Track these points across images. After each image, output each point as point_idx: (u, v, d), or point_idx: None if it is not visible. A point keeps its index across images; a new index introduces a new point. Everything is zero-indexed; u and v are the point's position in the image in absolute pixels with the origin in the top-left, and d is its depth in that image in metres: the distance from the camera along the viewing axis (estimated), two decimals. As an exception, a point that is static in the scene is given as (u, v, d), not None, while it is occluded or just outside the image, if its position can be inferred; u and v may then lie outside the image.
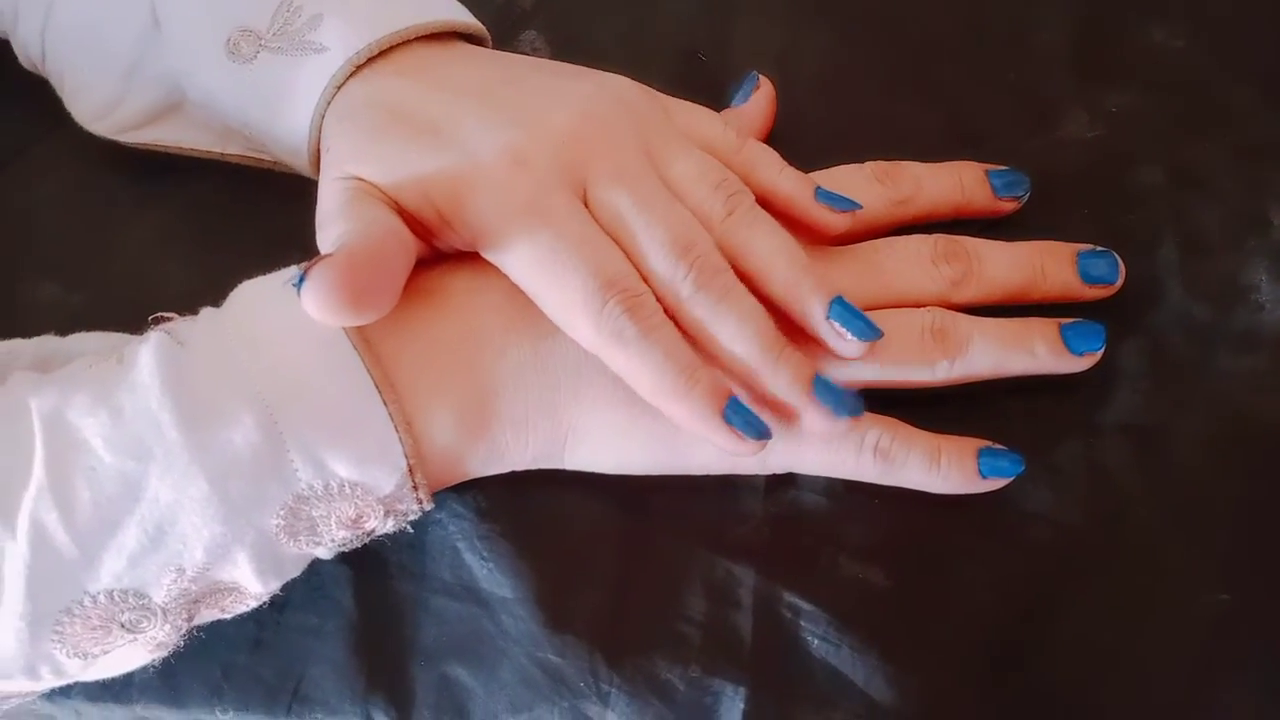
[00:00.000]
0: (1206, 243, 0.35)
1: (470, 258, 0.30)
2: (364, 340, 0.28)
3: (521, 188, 0.28)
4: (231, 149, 0.35)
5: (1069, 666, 0.30)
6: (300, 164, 0.33)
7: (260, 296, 0.29)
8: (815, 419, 0.29)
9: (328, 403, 0.27)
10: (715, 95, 0.36)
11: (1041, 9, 0.39)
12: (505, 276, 0.29)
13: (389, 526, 0.29)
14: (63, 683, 0.29)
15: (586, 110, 0.30)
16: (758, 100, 0.36)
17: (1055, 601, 0.31)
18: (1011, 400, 0.33)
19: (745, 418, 0.28)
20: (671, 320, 0.29)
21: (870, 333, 0.29)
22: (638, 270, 0.29)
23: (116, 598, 0.27)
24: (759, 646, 0.30)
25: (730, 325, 0.29)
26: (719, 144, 0.32)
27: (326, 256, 0.26)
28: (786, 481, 0.32)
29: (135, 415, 0.26)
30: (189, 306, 0.30)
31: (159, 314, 0.30)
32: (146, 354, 0.27)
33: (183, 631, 0.29)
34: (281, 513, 0.27)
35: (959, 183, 0.34)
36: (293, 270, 0.29)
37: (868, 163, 0.34)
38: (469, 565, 0.32)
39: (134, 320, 0.31)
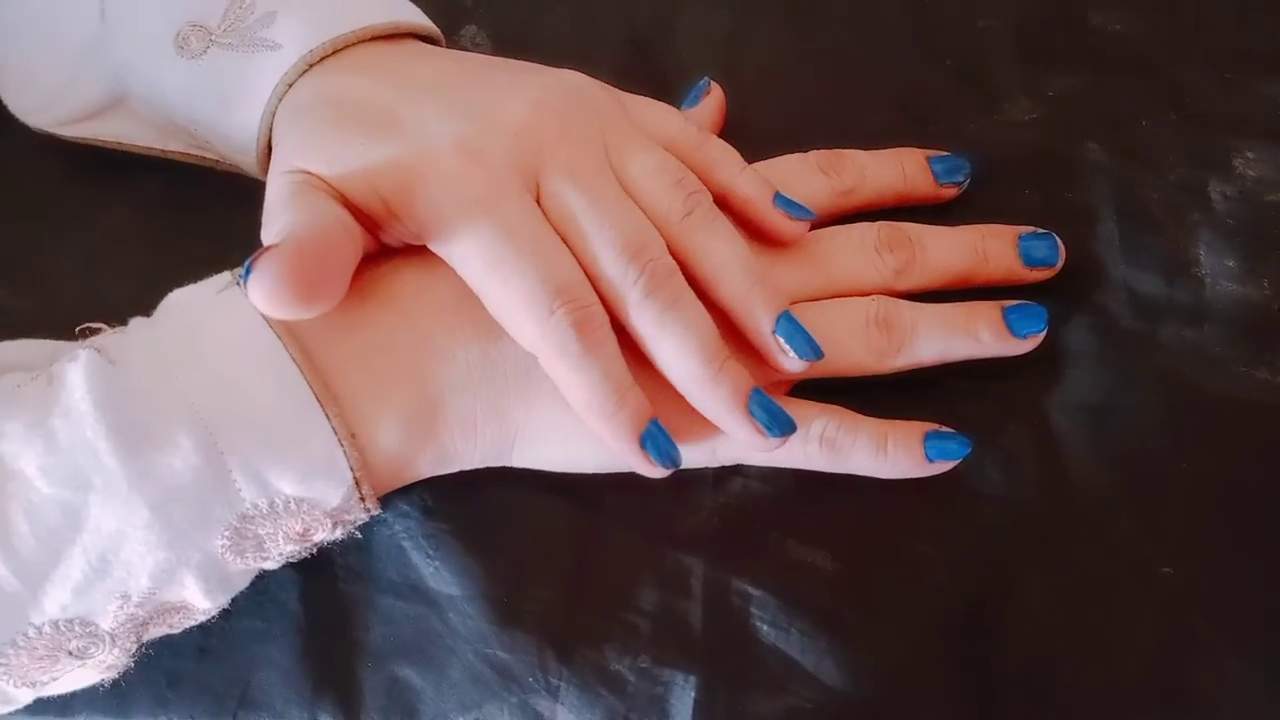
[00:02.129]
0: (1148, 218, 0.35)
1: (416, 255, 0.30)
2: (303, 351, 0.28)
3: (473, 181, 0.28)
4: (173, 146, 0.35)
5: (1024, 645, 0.30)
6: (247, 162, 0.32)
7: (193, 308, 0.28)
8: (748, 435, 0.29)
9: (268, 419, 0.27)
10: (661, 86, 0.36)
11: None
12: (451, 276, 0.29)
13: (337, 535, 0.29)
14: (11, 709, 0.28)
15: (541, 103, 0.30)
16: (708, 105, 0.35)
17: (1009, 580, 0.31)
18: (960, 381, 0.33)
19: (659, 445, 0.29)
20: (614, 322, 0.29)
21: (812, 353, 0.29)
22: (586, 271, 0.29)
23: (63, 627, 0.26)
24: (709, 635, 0.30)
25: (675, 335, 0.28)
26: (679, 140, 0.32)
27: (272, 247, 0.26)
28: (735, 471, 0.32)
29: (71, 443, 0.26)
30: (137, 309, 0.30)
31: (86, 325, 0.29)
32: (77, 375, 0.26)
33: (132, 653, 0.28)
34: (227, 534, 0.27)
35: (901, 171, 0.34)
36: (224, 277, 0.29)
37: (812, 152, 0.34)
38: (415, 564, 0.31)
39: (73, 322, 0.30)
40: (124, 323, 0.30)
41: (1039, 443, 0.32)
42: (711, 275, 0.30)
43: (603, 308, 0.28)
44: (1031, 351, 0.32)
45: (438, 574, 0.31)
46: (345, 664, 0.31)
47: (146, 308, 0.30)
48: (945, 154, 0.35)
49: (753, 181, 0.31)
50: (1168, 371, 0.33)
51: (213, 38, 0.31)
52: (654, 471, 0.29)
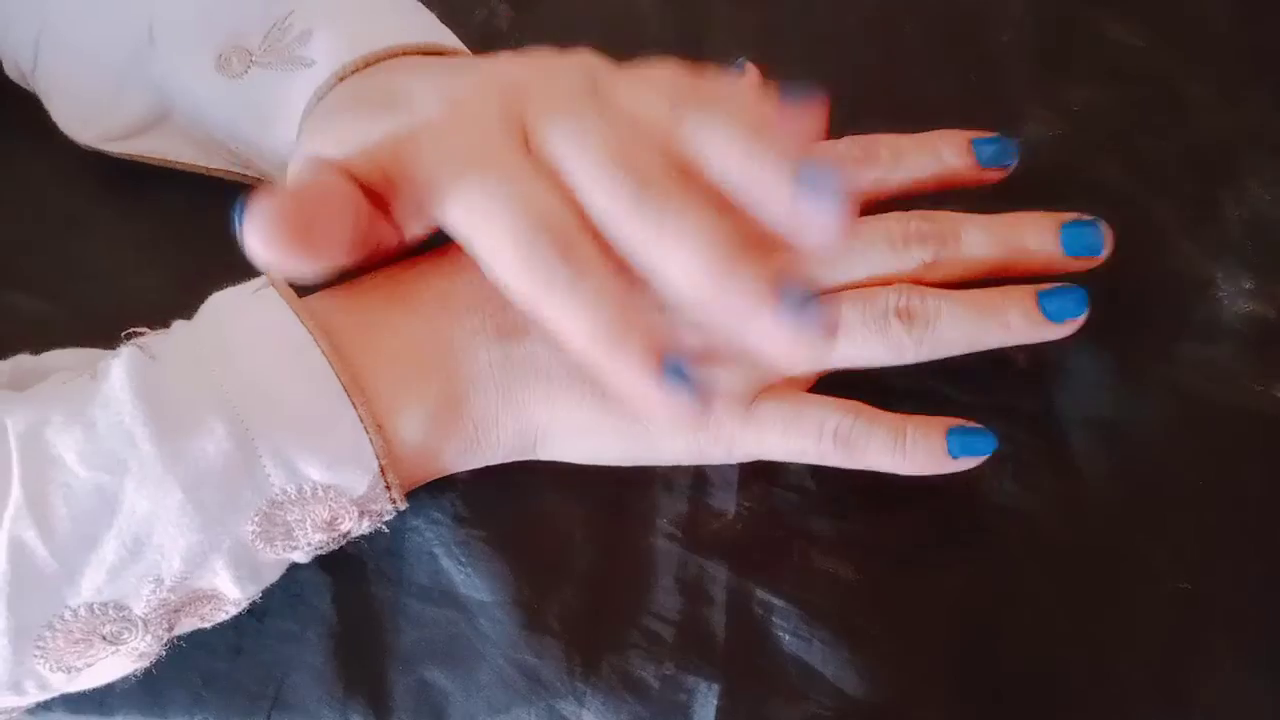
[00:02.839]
0: (1165, 236, 0.35)
1: (442, 263, 0.31)
2: (333, 345, 0.29)
3: (458, 132, 0.27)
4: (216, 163, 0.36)
5: (1036, 656, 0.31)
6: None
7: (230, 306, 0.30)
8: (777, 331, 0.24)
9: (298, 408, 0.28)
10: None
11: (1000, 9, 0.40)
12: (475, 278, 0.29)
13: (364, 527, 0.30)
14: (47, 696, 0.29)
15: (533, 63, 0.29)
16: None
17: (1022, 592, 0.31)
18: (976, 396, 0.33)
19: (681, 371, 0.24)
20: (614, 264, 0.26)
21: (835, 204, 0.24)
22: (581, 203, 0.26)
23: (97, 610, 0.27)
24: (732, 642, 0.31)
25: (678, 233, 0.24)
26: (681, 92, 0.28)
27: (269, 194, 0.25)
28: (759, 477, 0.33)
29: (109, 429, 0.27)
30: (163, 318, 0.31)
31: (132, 329, 0.30)
32: (118, 368, 0.28)
33: (164, 641, 0.29)
34: (256, 518, 0.28)
35: (939, 156, 0.33)
36: (261, 279, 0.30)
37: (844, 139, 0.33)
38: (446, 570, 0.32)
39: (110, 332, 0.31)
40: (156, 326, 0.31)
41: (1054, 456, 0.33)
42: (716, 159, 0.25)
43: (591, 236, 0.26)
44: (1046, 364, 0.33)
45: (468, 580, 0.32)
46: (376, 666, 0.32)
47: (176, 313, 0.31)
48: (991, 135, 0.33)
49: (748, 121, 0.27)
50: (1182, 387, 0.33)
51: (253, 58, 0.32)
52: (682, 409, 0.25)
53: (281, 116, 0.32)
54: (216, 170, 0.36)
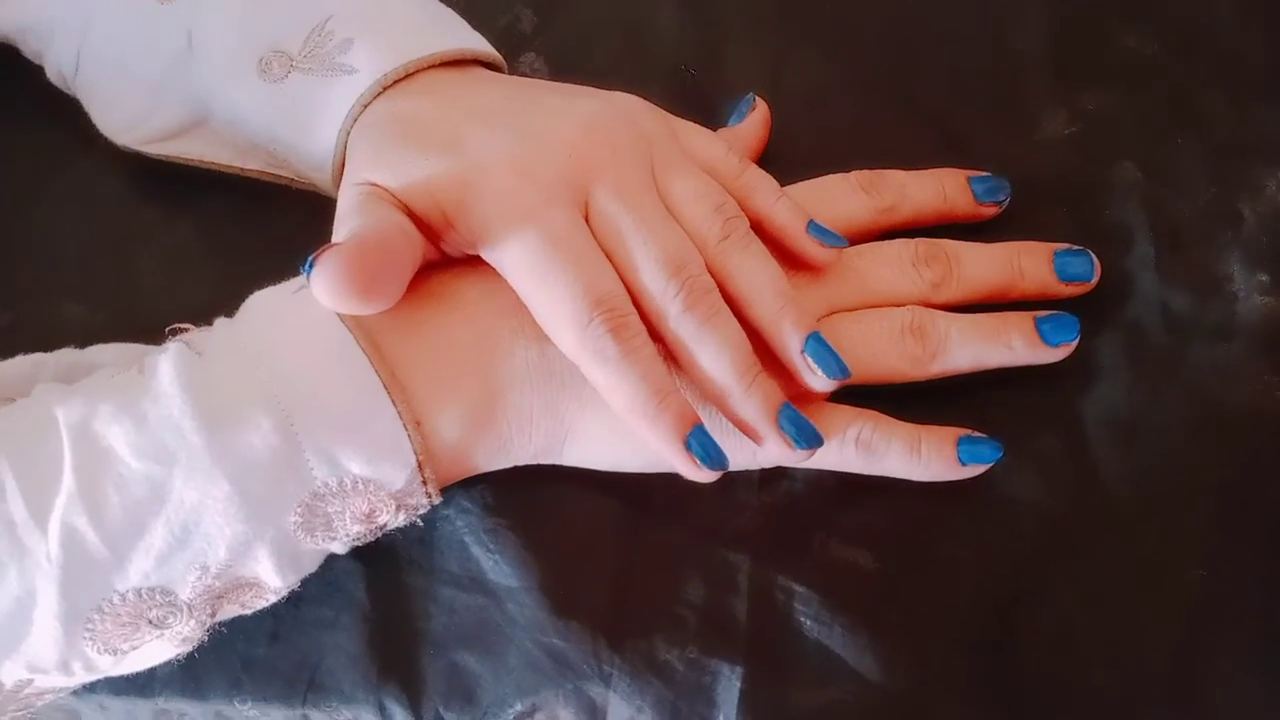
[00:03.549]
0: (1181, 238, 0.36)
1: (481, 264, 0.32)
2: (373, 344, 0.30)
3: (523, 195, 0.30)
4: (252, 164, 0.37)
5: (1051, 647, 0.31)
6: (323, 180, 0.35)
7: (272, 305, 0.31)
8: (777, 447, 0.31)
9: (340, 404, 0.29)
10: (707, 111, 0.38)
11: (1017, 15, 0.41)
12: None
13: (400, 520, 0.31)
14: (93, 678, 0.30)
15: (592, 125, 0.32)
16: (753, 121, 0.37)
17: (1039, 583, 0.32)
18: (994, 393, 0.34)
19: (705, 447, 0.30)
20: (653, 337, 0.30)
21: (840, 372, 0.31)
22: (628, 284, 0.30)
23: (144, 595, 0.28)
24: (754, 628, 0.31)
25: (711, 347, 0.30)
26: (720, 167, 0.33)
27: (337, 244, 0.28)
28: (779, 474, 0.33)
29: (159, 422, 0.28)
30: (205, 320, 0.32)
31: (176, 325, 0.32)
32: (166, 364, 0.29)
33: (206, 626, 0.30)
34: (299, 510, 0.29)
35: (941, 190, 0.36)
36: (301, 279, 0.31)
37: (854, 172, 0.36)
38: (476, 558, 0.33)
39: (153, 336, 0.32)
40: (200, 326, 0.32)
41: (1071, 452, 0.33)
42: (745, 295, 0.31)
43: (639, 318, 0.30)
44: (1064, 362, 0.33)
45: (497, 567, 0.33)
46: (409, 651, 0.33)
47: (212, 318, 0.32)
48: (985, 174, 0.36)
49: (788, 209, 0.33)
50: (1198, 385, 0.34)
51: (294, 63, 0.34)
52: (700, 474, 0.30)
53: (321, 121, 0.33)
54: (251, 171, 0.37)
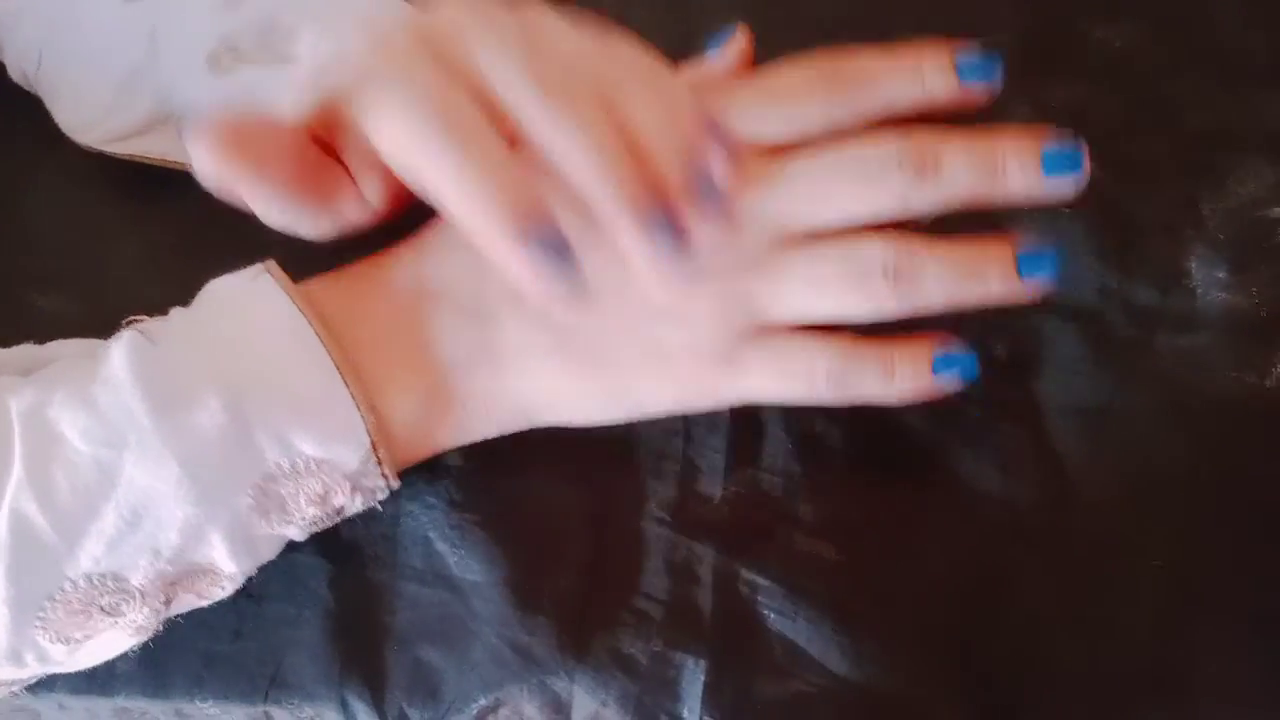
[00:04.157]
0: (1145, 231, 0.36)
1: (416, 243, 0.32)
2: (325, 325, 0.29)
3: (376, 58, 0.27)
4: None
5: (1020, 634, 0.31)
6: None
7: (226, 292, 0.31)
8: (637, 244, 0.27)
9: (292, 385, 0.29)
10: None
11: (988, 12, 0.41)
12: (448, 260, 0.31)
13: (358, 504, 0.31)
14: (48, 670, 0.30)
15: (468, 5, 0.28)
16: (728, 55, 0.33)
17: (1005, 573, 0.32)
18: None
19: (552, 246, 0.26)
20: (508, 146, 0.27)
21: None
22: (481, 106, 0.27)
23: (95, 581, 0.28)
24: (718, 621, 0.31)
25: (574, 129, 0.26)
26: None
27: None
28: (745, 463, 0.33)
29: (109, 407, 0.28)
30: None
31: (131, 318, 0.31)
32: (119, 350, 0.29)
33: (161, 616, 0.30)
34: (251, 492, 0.29)
35: (920, 80, 0.30)
36: (257, 268, 0.31)
37: (815, 62, 0.31)
38: (440, 553, 0.33)
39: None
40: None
41: (1037, 444, 0.34)
42: (635, 108, 0.27)
43: (488, 124, 0.27)
44: (1028, 353, 0.33)
45: (462, 562, 0.33)
46: (372, 647, 0.32)
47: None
48: (974, 53, 0.30)
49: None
50: (1161, 376, 0.34)
51: (241, 55, 0.34)
52: (545, 280, 0.26)
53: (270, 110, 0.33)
54: None
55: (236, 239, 0.38)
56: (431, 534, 0.33)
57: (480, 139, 0.26)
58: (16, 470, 0.27)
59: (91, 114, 0.37)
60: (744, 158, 0.30)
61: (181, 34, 0.35)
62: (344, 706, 0.32)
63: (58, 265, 0.39)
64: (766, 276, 0.30)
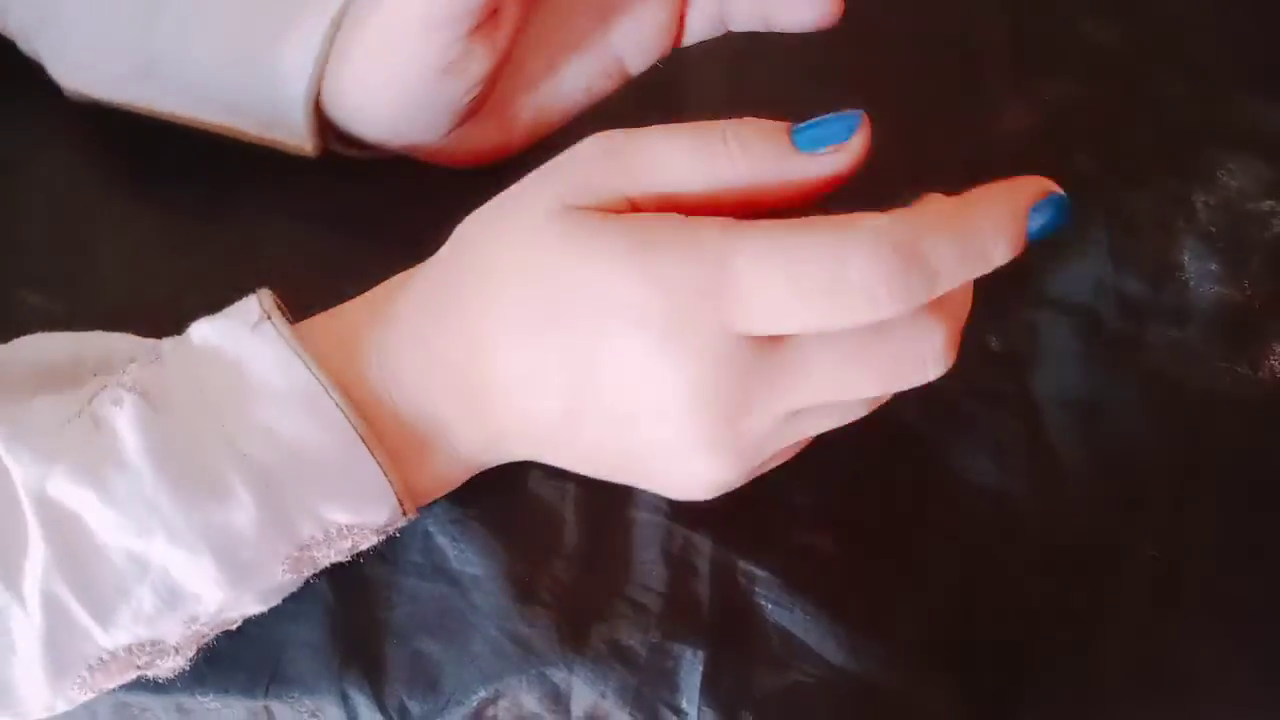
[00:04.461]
0: (1137, 225, 0.37)
1: (406, 289, 0.31)
2: (346, 397, 0.28)
3: None
4: (209, 114, 0.36)
5: (1013, 626, 0.32)
6: (288, 123, 0.34)
7: (230, 349, 0.28)
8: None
9: (318, 459, 0.28)
10: (673, 106, 0.38)
11: (979, 10, 0.41)
12: (458, 355, 0.29)
13: (376, 541, 0.31)
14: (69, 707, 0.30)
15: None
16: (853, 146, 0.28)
17: (998, 566, 0.32)
18: (954, 381, 0.34)
19: None
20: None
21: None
22: None
23: (134, 650, 0.28)
24: (716, 612, 0.32)
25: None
26: None
27: None
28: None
29: (131, 498, 0.27)
30: (170, 315, 0.31)
31: (118, 374, 0.29)
32: (127, 427, 0.27)
33: (190, 659, 0.30)
34: (287, 563, 0.29)
35: (987, 258, 0.26)
36: (253, 309, 0.29)
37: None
38: (440, 547, 0.33)
39: (112, 327, 0.32)
40: (157, 324, 0.31)
41: (1031, 436, 0.34)
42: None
43: None
44: (1020, 346, 0.34)
45: (461, 555, 0.33)
46: (371, 641, 0.32)
47: (178, 311, 0.31)
48: (1047, 197, 0.26)
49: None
50: (1153, 368, 0.34)
51: None
52: None
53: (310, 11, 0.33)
54: (209, 124, 0.36)
55: (230, 233, 0.38)
56: (432, 528, 0.33)
57: None
58: (42, 551, 0.26)
59: (94, 55, 0.36)
60: None
61: None
62: (344, 700, 0.32)
63: (44, 261, 0.39)
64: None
